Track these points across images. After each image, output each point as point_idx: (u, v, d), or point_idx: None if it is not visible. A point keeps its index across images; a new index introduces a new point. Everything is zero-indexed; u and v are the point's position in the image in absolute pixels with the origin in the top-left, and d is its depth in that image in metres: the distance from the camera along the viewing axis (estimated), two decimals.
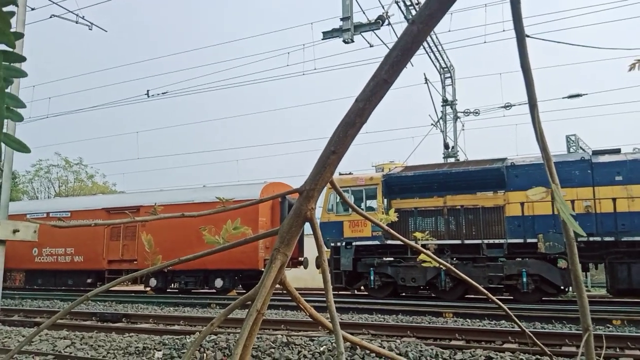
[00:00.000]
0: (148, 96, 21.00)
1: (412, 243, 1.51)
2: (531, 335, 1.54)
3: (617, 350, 6.92)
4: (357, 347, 6.19)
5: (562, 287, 14.35)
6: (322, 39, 16.24)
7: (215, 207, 1.42)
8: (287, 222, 1.27)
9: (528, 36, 1.05)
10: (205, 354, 6.71)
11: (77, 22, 17.05)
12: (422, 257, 1.55)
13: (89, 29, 17.35)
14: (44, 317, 11.32)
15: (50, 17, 16.34)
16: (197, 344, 1.31)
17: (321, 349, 6.62)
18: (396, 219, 1.64)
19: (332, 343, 6.78)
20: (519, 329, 6.11)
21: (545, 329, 8.90)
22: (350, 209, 15.86)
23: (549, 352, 1.46)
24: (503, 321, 9.71)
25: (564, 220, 0.99)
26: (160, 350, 7.12)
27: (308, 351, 6.61)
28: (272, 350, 6.64)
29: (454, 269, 1.54)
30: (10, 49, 0.78)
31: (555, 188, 0.96)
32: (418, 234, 1.70)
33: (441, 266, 1.59)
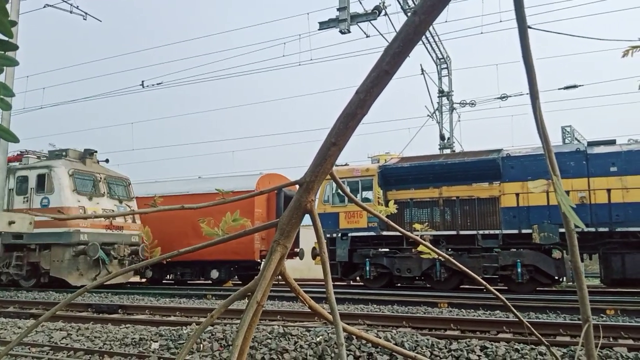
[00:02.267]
0: (143, 87, 20.89)
1: (411, 234, 1.51)
2: (529, 325, 1.55)
3: (611, 339, 6.99)
4: (354, 337, 6.22)
5: (556, 278, 14.46)
6: (319, 29, 16.17)
7: (212, 198, 1.42)
8: (286, 214, 1.27)
9: (530, 27, 1.04)
10: (202, 345, 6.74)
11: (71, 12, 16.91)
12: (420, 248, 1.56)
13: (84, 19, 17.22)
14: (39, 308, 11.31)
15: (44, 6, 16.19)
16: (197, 336, 1.31)
17: (317, 339, 6.65)
18: (395, 211, 1.64)
19: (328, 333, 6.81)
20: (514, 319, 6.15)
21: (539, 318, 8.96)
22: (346, 200, 15.90)
23: (546, 342, 1.47)
24: (498, 311, 9.77)
25: (564, 213, 0.99)
26: (156, 341, 7.14)
27: (305, 341, 6.64)
28: (269, 340, 6.67)
29: (453, 260, 1.54)
30: (7, 38, 0.77)
31: (556, 180, 0.96)
32: (417, 225, 1.70)
33: (439, 257, 1.60)
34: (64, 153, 17.03)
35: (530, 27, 1.07)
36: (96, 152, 17.95)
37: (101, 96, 24.10)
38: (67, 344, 7.32)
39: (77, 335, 7.92)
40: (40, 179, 16.13)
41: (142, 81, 20.86)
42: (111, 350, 6.89)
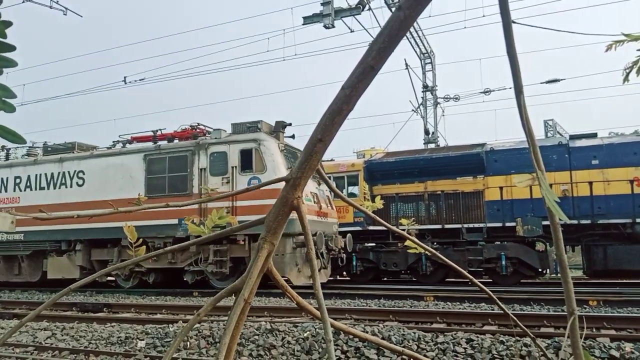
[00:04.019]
0: (125, 83, 20.68)
1: (397, 229, 1.51)
2: (514, 317, 1.56)
3: (594, 330, 7.09)
4: (341, 332, 6.24)
5: (539, 270, 14.65)
6: (303, 24, 16.12)
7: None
8: (273, 211, 1.26)
9: (514, 22, 1.04)
10: (188, 342, 6.71)
11: (51, 7, 16.65)
12: (407, 243, 1.56)
13: (64, 14, 16.97)
14: (22, 308, 11.16)
15: (23, 1, 15.93)
16: (184, 334, 1.30)
17: (305, 334, 6.66)
18: (382, 207, 1.65)
19: (316, 329, 6.82)
20: (499, 311, 6.19)
21: (524, 310, 9.07)
22: (332, 196, 15.90)
23: (532, 335, 1.48)
24: (483, 303, 9.86)
25: (548, 207, 1.00)
26: (143, 340, 7.09)
27: (292, 337, 6.64)
28: (256, 337, 6.66)
29: (439, 255, 1.55)
30: (2, 39, 0.76)
31: (541, 175, 0.97)
32: (404, 221, 1.71)
33: (426, 252, 1.60)
34: (258, 125, 14.00)
35: (515, 22, 1.07)
36: (290, 124, 14.81)
37: (83, 92, 23.79)
38: (51, 344, 7.25)
39: (62, 335, 7.84)
40: (246, 155, 13.29)
41: (125, 77, 20.66)
42: (97, 349, 6.83)
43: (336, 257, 13.96)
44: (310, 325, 7.11)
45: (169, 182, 13.97)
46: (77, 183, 15.07)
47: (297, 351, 6.28)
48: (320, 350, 6.24)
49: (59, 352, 6.75)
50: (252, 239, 12.83)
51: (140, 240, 1.60)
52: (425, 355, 5.99)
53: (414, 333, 6.65)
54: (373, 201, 2.12)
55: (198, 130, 14.80)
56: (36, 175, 15.72)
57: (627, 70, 1.77)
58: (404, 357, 6.20)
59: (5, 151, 17.35)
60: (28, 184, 15.79)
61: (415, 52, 23.01)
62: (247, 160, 13.32)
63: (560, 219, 1.04)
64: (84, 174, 15.03)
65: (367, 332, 6.62)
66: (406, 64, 21.97)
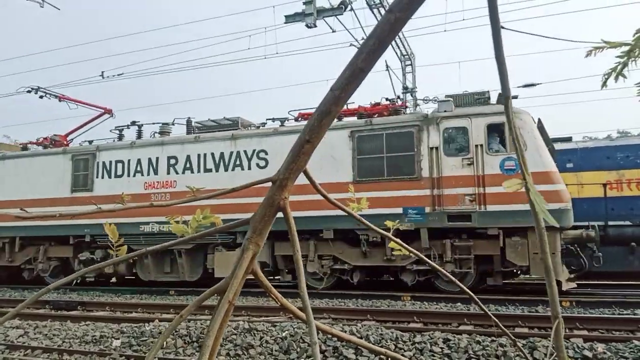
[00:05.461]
0: (103, 77, 20.33)
1: (383, 231, 1.52)
2: (495, 319, 1.58)
3: (567, 330, 7.23)
4: (320, 331, 6.23)
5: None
6: (285, 23, 16.08)
7: (183, 196, 1.38)
8: (259, 212, 1.25)
9: (503, 27, 1.05)
10: (165, 342, 6.63)
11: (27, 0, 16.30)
12: (391, 244, 1.57)
13: (40, 7, 16.63)
14: None
15: None
16: (166, 335, 1.28)
17: (283, 334, 6.64)
18: (367, 207, 1.66)
19: (294, 328, 6.81)
20: (474, 312, 6.26)
21: (499, 311, 9.20)
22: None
23: (512, 337, 1.50)
24: (459, 303, 9.97)
25: (536, 212, 1.01)
26: (118, 339, 6.99)
27: (270, 337, 6.62)
28: (234, 336, 6.62)
29: (424, 257, 1.56)
30: None
31: (529, 179, 0.98)
32: (389, 223, 1.71)
33: (410, 254, 1.61)
34: (487, 96, 11.87)
35: (504, 28, 1.08)
36: (516, 97, 12.40)
37: (59, 86, 23.33)
38: (24, 343, 7.10)
39: (35, 333, 7.68)
40: (495, 131, 11.14)
41: (102, 72, 20.31)
42: (71, 348, 6.71)
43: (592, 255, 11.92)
44: (289, 325, 7.09)
45: (388, 163, 11.75)
46: (257, 164, 12.86)
47: (276, 351, 6.26)
48: (298, 350, 6.23)
49: (32, 351, 6.62)
50: (507, 234, 10.83)
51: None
52: (402, 355, 6.03)
53: (392, 333, 6.69)
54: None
55: (391, 105, 13.07)
56: (199, 155, 13.37)
57: (606, 77, 1.81)
58: (381, 357, 6.22)
59: (137, 127, 15.01)
60: (187, 165, 13.44)
61: (396, 53, 23.13)
62: (497, 138, 11.24)
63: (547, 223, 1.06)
64: (266, 153, 12.80)
65: (345, 332, 6.63)
66: (387, 66, 22.08)
